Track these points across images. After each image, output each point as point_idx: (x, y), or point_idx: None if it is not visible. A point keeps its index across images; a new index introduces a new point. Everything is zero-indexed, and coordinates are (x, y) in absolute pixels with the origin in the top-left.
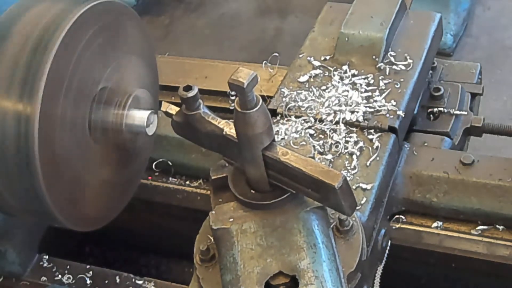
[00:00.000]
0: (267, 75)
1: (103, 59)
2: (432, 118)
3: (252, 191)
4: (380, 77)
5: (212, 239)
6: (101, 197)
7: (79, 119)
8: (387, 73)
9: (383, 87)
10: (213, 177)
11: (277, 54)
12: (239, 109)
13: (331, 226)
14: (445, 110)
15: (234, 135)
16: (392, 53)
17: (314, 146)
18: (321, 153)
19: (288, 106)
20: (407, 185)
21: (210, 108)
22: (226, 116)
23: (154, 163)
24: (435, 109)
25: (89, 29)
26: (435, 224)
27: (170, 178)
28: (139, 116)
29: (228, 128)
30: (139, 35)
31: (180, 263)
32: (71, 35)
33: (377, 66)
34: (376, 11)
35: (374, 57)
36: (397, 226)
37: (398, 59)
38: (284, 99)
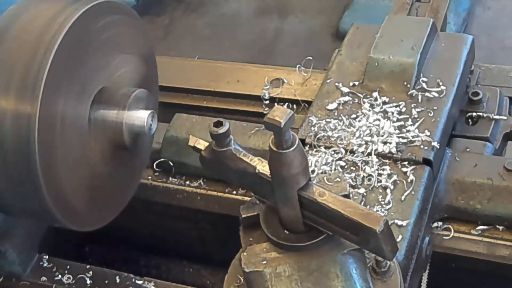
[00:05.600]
0: (300, 79)
1: (103, 59)
2: (471, 123)
3: (285, 231)
4: (412, 105)
5: (242, 280)
6: (101, 197)
7: (79, 119)
8: (419, 100)
9: (416, 116)
10: (243, 216)
11: (310, 58)
12: (274, 149)
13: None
14: (484, 115)
15: (267, 173)
16: (424, 78)
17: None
18: (353, 187)
19: (317, 136)
20: (450, 192)
21: (243, 112)
22: (259, 120)
23: (155, 163)
24: (474, 114)
25: (89, 29)
26: (435, 225)
27: (170, 178)
28: (139, 116)
29: (261, 166)
30: (139, 35)
31: (180, 263)
32: (71, 35)
33: (408, 93)
34: (406, 34)
35: (405, 83)
36: None
37: (430, 85)
38: (312, 128)
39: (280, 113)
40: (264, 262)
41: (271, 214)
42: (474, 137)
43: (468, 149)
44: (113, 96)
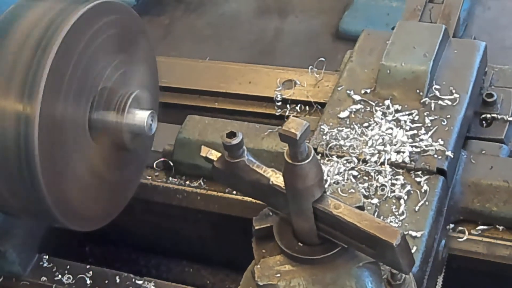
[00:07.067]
0: (313, 80)
1: (103, 59)
2: (485, 125)
3: (299, 243)
4: (425, 113)
5: None
6: (101, 197)
7: (79, 119)
8: (432, 108)
9: (429, 124)
10: (256, 227)
11: (323, 59)
12: (289, 161)
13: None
14: (499, 117)
15: (281, 185)
16: (436, 86)
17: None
18: (366, 197)
19: (329, 145)
20: (466, 194)
21: (255, 114)
22: (271, 122)
23: (155, 163)
24: (488, 115)
25: (89, 29)
26: None
27: (170, 178)
28: (139, 116)
29: (275, 177)
30: (139, 35)
31: (180, 263)
32: (71, 35)
33: (421, 101)
34: (418, 41)
35: (418, 91)
36: None
37: (443, 93)
38: (324, 137)
39: (295, 125)
40: (278, 275)
41: (284, 226)
42: (488, 139)
43: (483, 151)
44: (113, 96)
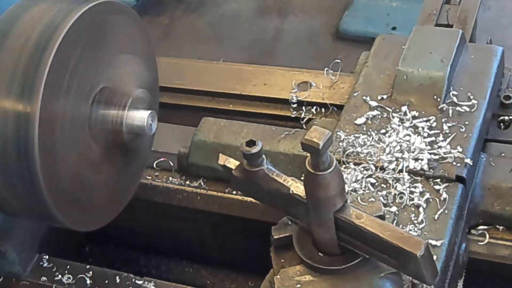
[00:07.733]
0: (328, 82)
1: (103, 59)
2: (502, 127)
3: (319, 253)
4: (443, 120)
5: None
6: (101, 197)
7: (79, 119)
8: (450, 115)
9: (447, 131)
10: (275, 237)
11: (338, 61)
12: (311, 171)
13: None
14: None
15: (302, 194)
16: (454, 92)
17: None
18: (384, 205)
19: (346, 152)
20: (486, 197)
21: (270, 116)
22: (286, 124)
23: (155, 163)
24: (506, 118)
25: (89, 29)
26: None
27: (170, 178)
28: (139, 116)
29: (295, 186)
30: (139, 35)
31: (180, 263)
32: (71, 35)
33: (439, 107)
34: (435, 46)
35: (435, 97)
36: None
37: (461, 99)
38: (341, 144)
39: (318, 134)
40: (298, 285)
41: (304, 235)
42: (506, 141)
43: (503, 154)
44: (113, 96)
